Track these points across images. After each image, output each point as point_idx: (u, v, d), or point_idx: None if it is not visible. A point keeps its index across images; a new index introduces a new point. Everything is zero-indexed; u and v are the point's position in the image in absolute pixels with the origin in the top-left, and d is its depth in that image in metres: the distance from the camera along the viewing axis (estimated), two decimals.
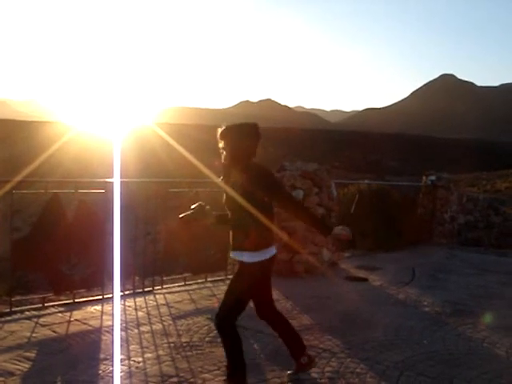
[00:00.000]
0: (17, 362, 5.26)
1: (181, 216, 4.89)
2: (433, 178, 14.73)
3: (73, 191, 7.23)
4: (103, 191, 7.34)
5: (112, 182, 7.15)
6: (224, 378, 4.87)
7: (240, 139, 4.57)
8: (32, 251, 6.94)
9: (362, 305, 8.00)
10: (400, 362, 5.75)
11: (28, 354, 5.50)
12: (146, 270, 8.27)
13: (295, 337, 5.09)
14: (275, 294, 8.08)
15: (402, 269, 10.68)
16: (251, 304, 7.60)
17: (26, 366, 5.22)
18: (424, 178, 15.16)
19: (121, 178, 7.22)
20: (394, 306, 8.06)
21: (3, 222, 6.82)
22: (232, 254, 4.73)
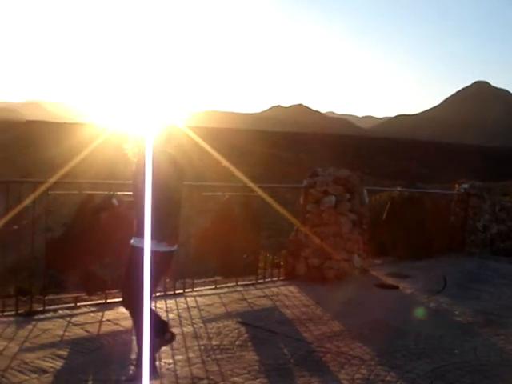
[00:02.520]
0: (50, 360, 5.33)
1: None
2: (465, 185, 14.57)
3: (106, 193, 7.30)
4: None
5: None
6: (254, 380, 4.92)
7: None
8: (66, 251, 7.04)
9: (392, 312, 7.95)
10: (430, 372, 5.72)
11: (61, 352, 5.57)
12: (177, 273, 8.31)
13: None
14: (306, 300, 8.15)
15: (433, 277, 10.58)
16: (281, 309, 7.63)
17: (59, 363, 5.29)
18: (456, 185, 15.00)
19: None
20: (426, 314, 8.01)
21: (37, 222, 6.90)
22: None
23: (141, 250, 4.72)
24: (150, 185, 4.58)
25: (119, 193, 6.05)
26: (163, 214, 4.62)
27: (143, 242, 4.68)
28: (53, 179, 6.92)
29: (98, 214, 5.43)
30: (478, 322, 7.75)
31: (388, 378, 5.45)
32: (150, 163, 4.53)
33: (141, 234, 4.78)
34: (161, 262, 4.84)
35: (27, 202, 6.63)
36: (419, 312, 7.88)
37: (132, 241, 4.95)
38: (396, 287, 9.56)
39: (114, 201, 5.37)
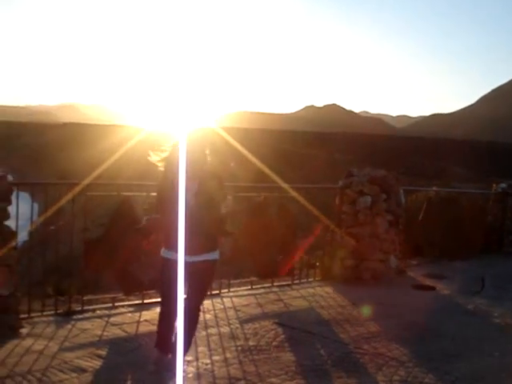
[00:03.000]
0: (89, 359, 5.41)
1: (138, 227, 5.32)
2: (503, 185, 14.37)
3: (144, 194, 7.37)
4: None
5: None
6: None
7: None
8: (103, 251, 7.10)
9: (429, 314, 7.89)
10: (470, 374, 5.66)
11: (99, 351, 5.64)
12: None
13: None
14: (342, 301, 8.12)
15: (470, 278, 10.45)
16: (317, 310, 7.61)
17: (98, 363, 5.35)
18: (494, 185, 14.81)
19: None
20: (463, 315, 7.92)
21: (73, 222, 6.98)
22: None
23: (206, 263, 4.98)
24: (199, 195, 4.84)
25: None
26: (216, 224, 4.94)
27: (206, 255, 4.96)
28: (86, 181, 6.99)
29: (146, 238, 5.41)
30: None
31: (426, 380, 5.40)
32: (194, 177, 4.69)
33: (198, 249, 4.82)
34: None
35: (62, 203, 6.71)
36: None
37: (187, 258, 4.59)
38: (433, 288, 9.47)
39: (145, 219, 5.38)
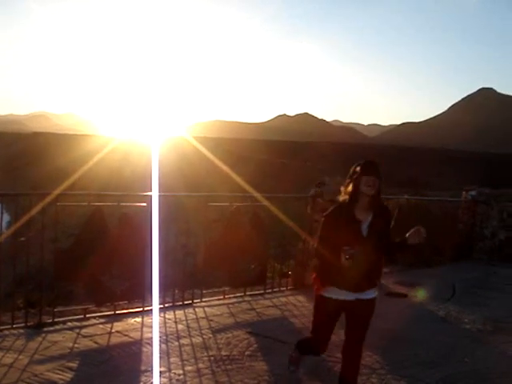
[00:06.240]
0: (60, 372, 5.34)
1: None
2: (473, 193, 14.53)
3: (115, 204, 7.33)
4: (145, 205, 7.39)
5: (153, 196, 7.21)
6: None
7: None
8: (74, 262, 7.04)
9: (401, 321, 7.92)
10: (441, 380, 5.71)
11: (70, 364, 5.57)
12: (186, 283, 8.30)
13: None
14: (311, 308, 8.12)
15: (442, 285, 10.55)
16: (290, 319, 7.60)
17: (69, 375, 5.29)
18: (464, 193, 14.96)
19: (160, 191, 7.30)
20: (435, 322, 7.98)
21: (43, 233, 6.89)
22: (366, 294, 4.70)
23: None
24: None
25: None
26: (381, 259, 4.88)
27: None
28: (57, 191, 6.94)
29: None
30: (488, 329, 7.72)
31: None
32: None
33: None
34: None
35: (33, 213, 6.64)
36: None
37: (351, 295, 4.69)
38: (405, 295, 9.54)
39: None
